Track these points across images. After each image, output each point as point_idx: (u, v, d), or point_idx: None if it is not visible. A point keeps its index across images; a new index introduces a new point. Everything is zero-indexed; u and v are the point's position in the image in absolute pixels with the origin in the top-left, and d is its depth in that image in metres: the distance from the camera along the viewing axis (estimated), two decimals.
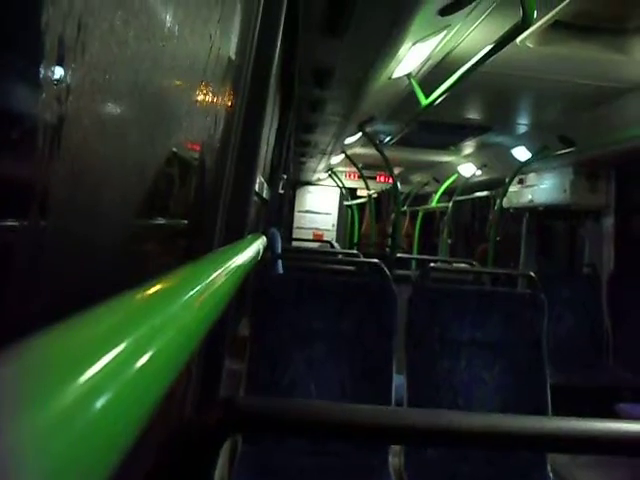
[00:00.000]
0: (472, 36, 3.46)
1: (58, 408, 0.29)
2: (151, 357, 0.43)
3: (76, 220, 0.80)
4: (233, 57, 1.74)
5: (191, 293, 0.67)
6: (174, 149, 1.33)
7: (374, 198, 12.96)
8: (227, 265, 1.03)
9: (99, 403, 0.33)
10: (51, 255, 0.73)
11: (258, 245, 1.92)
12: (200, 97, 1.45)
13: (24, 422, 0.27)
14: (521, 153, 6.80)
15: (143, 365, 0.41)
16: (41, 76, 0.60)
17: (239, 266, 1.18)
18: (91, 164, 0.82)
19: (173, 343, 0.51)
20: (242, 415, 0.81)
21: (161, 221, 1.41)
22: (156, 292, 0.59)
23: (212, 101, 1.59)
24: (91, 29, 0.67)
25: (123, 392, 0.36)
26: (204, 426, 0.80)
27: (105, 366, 0.35)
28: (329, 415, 0.85)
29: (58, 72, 0.63)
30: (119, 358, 0.38)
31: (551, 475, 2.97)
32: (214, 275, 0.86)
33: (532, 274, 3.48)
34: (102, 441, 0.33)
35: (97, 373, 0.34)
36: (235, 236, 1.88)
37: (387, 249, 9.47)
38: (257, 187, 3.18)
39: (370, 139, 6.48)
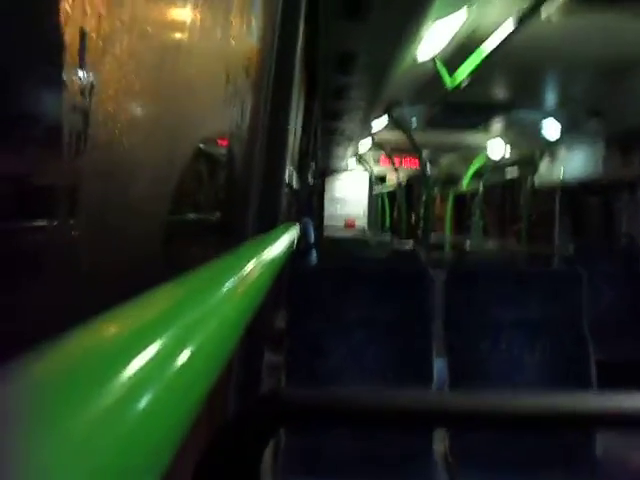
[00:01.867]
0: (494, 12, 3.41)
1: (103, 405, 0.29)
2: (194, 352, 0.42)
3: (109, 216, 0.80)
4: (256, 46, 1.72)
5: (227, 286, 0.66)
6: (202, 143, 1.32)
7: (404, 182, 12.92)
8: (262, 255, 1.02)
9: (143, 400, 0.32)
10: (90, 250, 0.72)
11: (292, 234, 1.91)
12: (225, 89, 1.44)
13: (72, 421, 0.26)
14: (550, 129, 6.72)
15: (187, 360, 0.40)
16: (65, 73, 0.59)
17: (274, 256, 1.17)
18: (121, 162, 0.82)
19: (215, 336, 0.50)
20: (286, 408, 0.80)
21: (194, 215, 1.41)
22: (193, 286, 0.58)
23: (237, 92, 1.58)
24: (113, 23, 0.66)
25: (168, 388, 0.35)
26: (249, 422, 0.79)
27: (148, 361, 0.34)
28: (372, 402, 0.83)
29: (82, 69, 0.62)
30: (161, 353, 0.37)
31: (600, 453, 2.93)
32: (249, 267, 0.85)
33: (568, 250, 3.44)
34: (150, 440, 0.32)
35: (140, 369, 0.33)
36: (268, 226, 1.87)
37: (419, 232, 9.43)
38: (287, 177, 3.17)
39: (397, 123, 6.45)
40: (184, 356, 0.40)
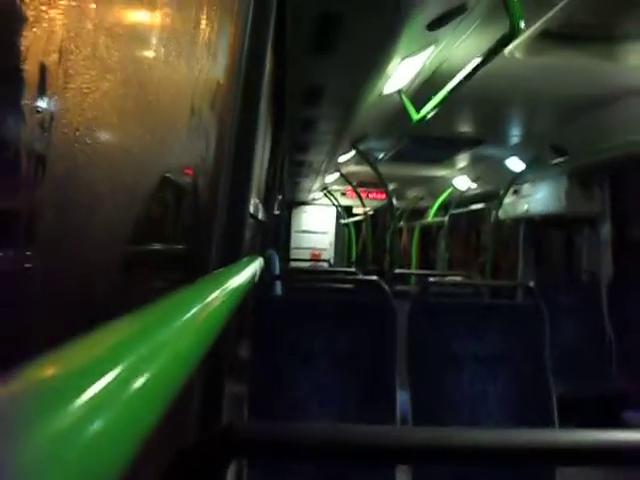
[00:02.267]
0: (460, 49, 3.47)
1: (52, 433, 0.29)
2: (147, 381, 0.42)
3: (67, 247, 0.79)
4: (222, 79, 1.73)
5: (187, 316, 0.66)
6: (166, 174, 1.32)
7: (370, 215, 12.98)
8: (223, 287, 1.02)
9: (94, 427, 0.32)
10: (44, 283, 0.72)
11: (255, 267, 1.91)
12: (190, 120, 1.44)
13: (21, 446, 0.26)
14: (515, 164, 6.81)
15: (139, 389, 0.40)
16: (24, 103, 0.59)
17: (236, 288, 1.17)
18: (81, 191, 0.81)
19: (171, 366, 0.50)
20: (244, 441, 0.80)
21: (155, 247, 1.40)
22: (151, 316, 0.58)
23: (202, 124, 1.59)
24: (74, 54, 0.67)
25: (119, 416, 0.36)
26: (205, 452, 0.78)
27: (101, 390, 0.35)
28: (333, 437, 0.83)
29: (42, 98, 0.62)
30: (114, 383, 0.37)
31: None
32: (210, 298, 0.85)
33: (531, 284, 3.47)
34: (98, 465, 0.32)
35: (92, 398, 0.33)
36: (231, 259, 1.87)
37: (385, 265, 9.46)
38: (252, 209, 3.17)
39: (363, 156, 6.49)
40: (135, 386, 0.40)
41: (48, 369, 0.34)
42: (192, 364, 0.64)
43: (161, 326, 0.56)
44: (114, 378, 0.37)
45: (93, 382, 0.35)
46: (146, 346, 0.47)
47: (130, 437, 0.38)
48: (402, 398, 3.13)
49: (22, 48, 0.56)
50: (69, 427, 0.30)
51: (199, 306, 0.74)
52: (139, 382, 0.41)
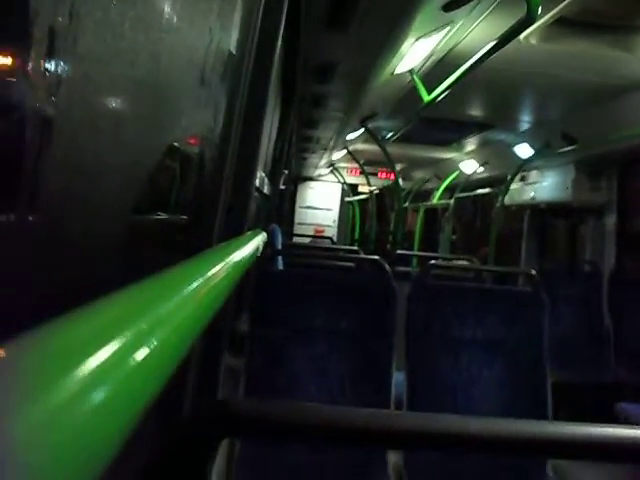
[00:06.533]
0: (475, 32, 3.44)
1: (52, 404, 0.29)
2: (147, 354, 0.42)
3: (73, 216, 0.79)
4: (234, 51, 1.72)
5: (189, 289, 0.66)
6: (173, 144, 1.32)
7: (375, 195, 12.95)
8: (226, 261, 1.02)
9: (93, 399, 0.32)
10: (49, 251, 0.72)
11: (258, 241, 1.90)
12: (199, 91, 1.44)
13: (18, 417, 0.26)
14: (523, 150, 6.78)
15: (139, 361, 0.41)
16: (31, 68, 0.59)
17: (238, 262, 1.17)
18: (87, 159, 0.81)
19: (170, 340, 0.50)
20: (238, 417, 0.80)
21: (160, 216, 1.40)
22: (154, 288, 0.58)
23: (212, 96, 1.58)
24: (84, 20, 0.66)
25: (118, 388, 0.36)
26: (200, 427, 0.79)
27: (101, 362, 0.35)
28: (326, 419, 0.83)
29: (50, 65, 0.61)
30: (115, 354, 0.37)
31: (551, 474, 2.96)
32: (212, 271, 0.85)
33: (533, 272, 3.47)
34: (95, 437, 0.33)
35: (92, 369, 0.33)
36: (235, 232, 1.87)
37: (388, 246, 9.46)
38: (258, 182, 3.16)
39: (372, 135, 6.47)
40: (135, 357, 0.40)
41: (47, 339, 0.34)
42: (191, 337, 0.64)
43: (162, 298, 0.56)
44: (113, 349, 0.37)
45: (91, 355, 0.35)
46: (146, 319, 0.47)
47: (128, 409, 0.38)
48: (398, 379, 3.13)
49: (31, 11, 0.55)
50: (68, 398, 0.30)
51: (201, 279, 0.74)
52: (138, 355, 0.41)
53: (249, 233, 2.06)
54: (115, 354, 0.37)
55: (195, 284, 0.69)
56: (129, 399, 0.38)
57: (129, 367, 0.39)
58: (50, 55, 0.60)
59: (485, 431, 0.86)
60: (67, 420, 0.30)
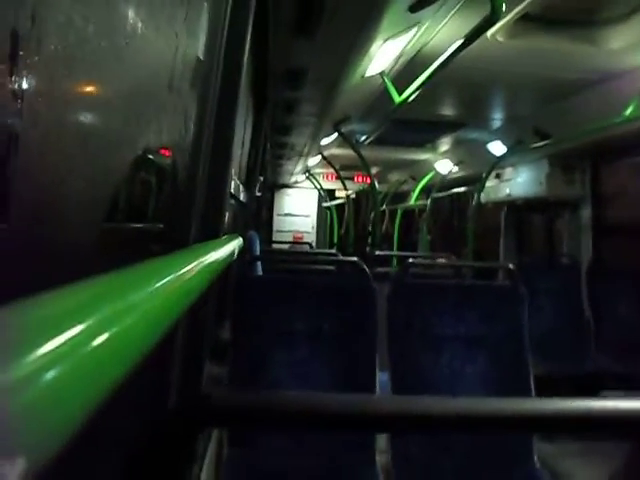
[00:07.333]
0: (443, 32, 3.47)
1: (16, 379, 0.31)
2: (113, 337, 0.44)
3: (41, 226, 0.79)
4: (201, 57, 1.73)
5: (160, 283, 0.67)
6: (143, 151, 1.31)
7: (352, 199, 12.98)
8: (200, 261, 1.02)
9: (56, 375, 0.35)
10: (18, 262, 0.71)
11: (234, 245, 1.91)
12: (169, 98, 1.44)
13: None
14: (497, 148, 6.83)
15: (103, 344, 0.42)
16: None
17: (212, 262, 1.17)
18: (56, 171, 0.81)
19: (132, 331, 0.51)
20: (220, 408, 0.81)
21: (134, 225, 1.40)
22: (123, 278, 0.59)
23: (182, 102, 1.58)
24: (48, 25, 0.66)
25: (81, 367, 0.38)
26: (184, 417, 0.79)
27: (66, 341, 0.37)
28: (309, 405, 0.84)
29: (12, 69, 0.61)
30: (79, 337, 0.39)
31: (538, 465, 2.98)
32: (185, 269, 0.85)
33: (511, 266, 3.49)
34: (50, 418, 0.35)
35: (57, 347, 0.36)
36: (210, 238, 1.87)
37: (367, 248, 9.47)
38: (233, 189, 3.16)
39: (346, 139, 6.48)
40: (101, 339, 0.41)
41: (14, 316, 0.35)
42: (160, 328, 0.64)
43: (132, 288, 0.57)
44: (78, 333, 0.39)
45: (59, 333, 0.37)
46: (114, 305, 0.48)
47: (90, 392, 0.39)
48: (382, 379, 3.14)
49: None
50: (34, 372, 0.32)
51: (173, 275, 0.75)
52: (104, 337, 0.42)
53: (225, 237, 2.06)
54: (80, 336, 0.39)
55: (168, 278, 0.70)
56: (91, 381, 0.40)
57: (92, 348, 0.41)
58: (12, 59, 0.60)
59: (468, 410, 0.87)
60: (25, 396, 0.32)
